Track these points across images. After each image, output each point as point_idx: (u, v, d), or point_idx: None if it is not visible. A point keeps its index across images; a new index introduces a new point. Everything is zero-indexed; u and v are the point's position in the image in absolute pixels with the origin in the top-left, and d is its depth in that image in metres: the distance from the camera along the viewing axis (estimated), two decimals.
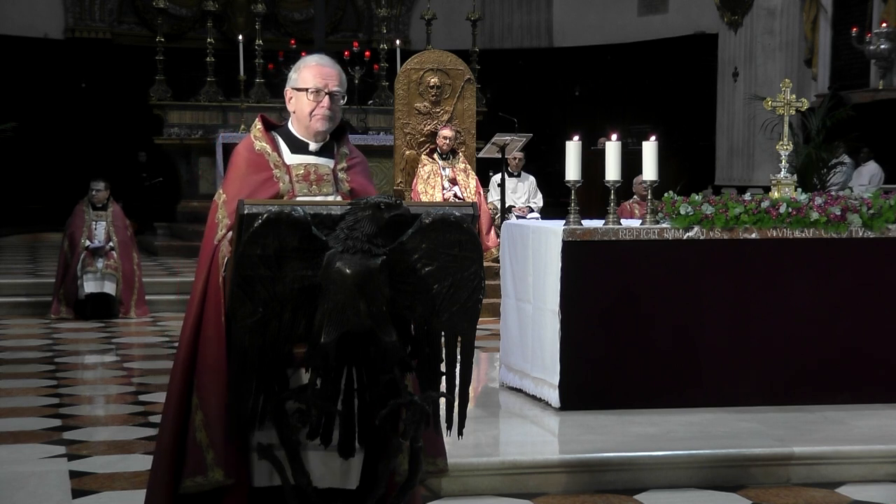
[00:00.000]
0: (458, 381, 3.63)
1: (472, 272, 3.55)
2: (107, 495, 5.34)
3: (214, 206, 3.96)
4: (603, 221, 6.66)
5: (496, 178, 13.07)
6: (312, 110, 3.95)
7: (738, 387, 6.65)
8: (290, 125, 4.06)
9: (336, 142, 4.06)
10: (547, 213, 12.92)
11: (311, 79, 3.94)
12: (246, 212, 3.44)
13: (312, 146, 4.01)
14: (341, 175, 4.01)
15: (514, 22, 22.67)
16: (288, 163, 3.98)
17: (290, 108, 4.02)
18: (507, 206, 12.83)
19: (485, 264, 3.72)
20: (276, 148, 4.00)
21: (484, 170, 13.12)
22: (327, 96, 3.94)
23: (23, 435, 6.48)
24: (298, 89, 3.96)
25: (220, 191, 3.99)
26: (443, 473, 4.04)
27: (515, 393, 7.02)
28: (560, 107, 21.92)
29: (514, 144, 12.96)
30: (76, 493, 5.35)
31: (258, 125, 4.05)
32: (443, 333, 3.60)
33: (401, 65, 12.66)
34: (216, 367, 3.72)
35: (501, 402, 7.06)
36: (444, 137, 11.57)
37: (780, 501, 5.36)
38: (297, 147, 4.01)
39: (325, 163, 4.01)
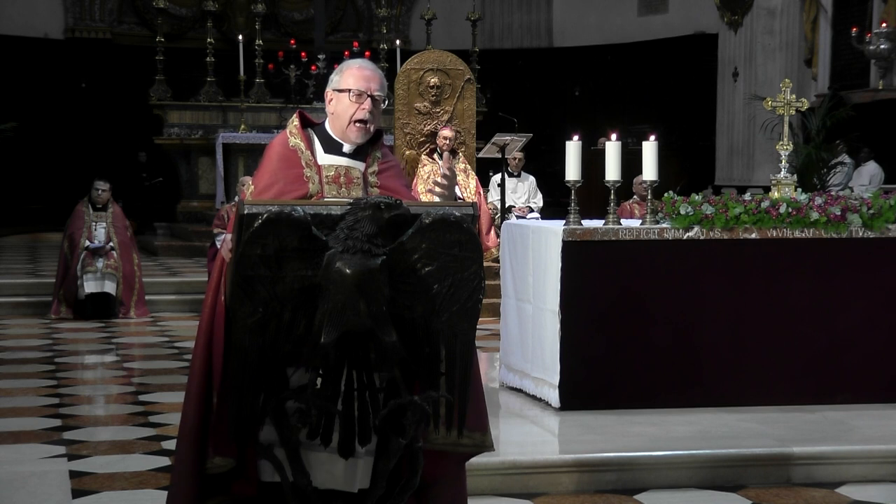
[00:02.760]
0: (458, 381, 3.63)
1: (472, 272, 3.55)
2: (107, 495, 5.34)
3: (242, 196, 4.00)
4: (603, 221, 6.66)
5: (496, 178, 13.07)
6: (353, 112, 3.96)
7: (738, 387, 6.65)
8: (326, 125, 4.07)
9: (370, 145, 4.08)
10: (547, 213, 12.93)
11: (354, 81, 3.96)
12: (246, 212, 3.44)
13: (346, 147, 4.03)
14: (372, 178, 4.04)
15: (514, 22, 22.66)
16: (320, 163, 4.00)
17: (329, 109, 4.03)
18: (507, 206, 12.83)
19: (485, 264, 3.72)
20: (311, 146, 4.02)
21: (484, 170, 13.12)
22: (369, 99, 3.96)
23: (23, 435, 6.48)
24: (341, 90, 3.98)
25: (250, 182, 4.05)
26: (488, 449, 4.05)
27: (515, 393, 7.03)
28: (560, 107, 21.92)
29: (514, 144, 12.96)
30: (76, 493, 5.35)
31: (295, 121, 4.07)
32: (443, 333, 3.60)
33: (401, 65, 12.66)
34: None
35: (501, 402, 7.06)
36: (444, 137, 11.56)
37: (780, 501, 5.36)
38: (331, 147, 4.03)
39: (357, 165, 4.03)
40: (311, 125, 4.10)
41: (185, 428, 3.92)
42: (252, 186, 3.99)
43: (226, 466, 3.79)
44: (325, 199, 3.90)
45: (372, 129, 4.01)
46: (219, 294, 3.86)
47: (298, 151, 4.00)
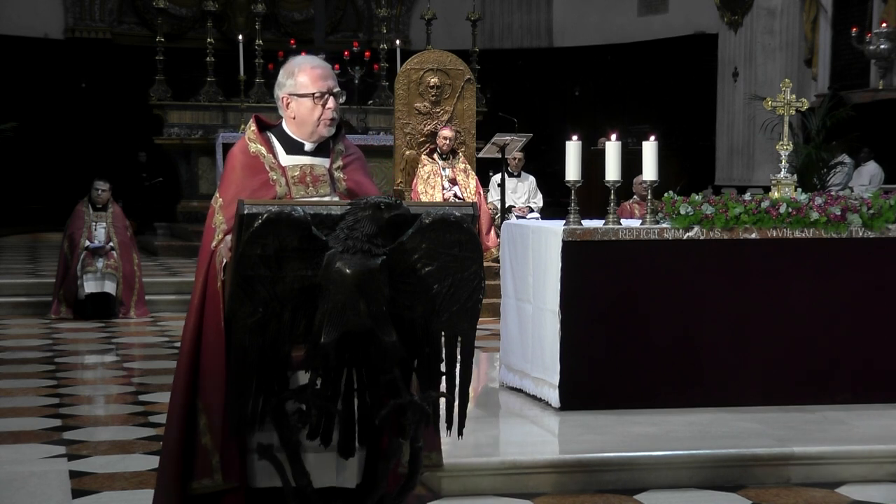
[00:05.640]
0: (458, 381, 3.63)
1: (472, 272, 3.55)
2: (107, 495, 5.34)
3: (211, 211, 3.96)
4: (603, 221, 6.66)
5: (496, 178, 13.07)
6: (320, 115, 3.95)
7: (738, 387, 6.65)
8: (284, 125, 4.04)
9: (332, 140, 4.06)
10: (547, 213, 12.92)
11: (312, 83, 3.94)
12: (246, 212, 3.44)
13: (308, 146, 4.01)
14: (337, 174, 4.02)
15: (514, 22, 22.67)
16: (283, 164, 3.98)
17: (288, 113, 3.99)
18: (507, 206, 12.83)
19: (485, 264, 3.72)
20: (272, 149, 3.99)
21: (484, 170, 13.12)
22: (331, 97, 3.95)
23: (23, 435, 6.48)
24: (301, 95, 3.94)
25: (217, 195, 3.99)
26: (437, 468, 4.05)
27: (515, 393, 7.02)
28: (560, 107, 21.92)
29: (514, 144, 12.96)
30: (76, 493, 5.34)
31: (252, 126, 4.04)
32: (443, 333, 3.60)
33: (401, 65, 12.67)
34: (217, 373, 3.74)
35: (501, 402, 7.06)
36: (444, 138, 11.57)
37: (780, 501, 5.36)
38: (292, 147, 4.01)
39: (321, 162, 4.02)
40: (269, 127, 4.07)
41: (167, 447, 3.88)
42: (220, 199, 3.93)
43: (212, 488, 3.76)
44: (323, 200, 3.89)
45: (336, 121, 4.00)
46: (205, 310, 3.80)
47: (260, 156, 3.97)
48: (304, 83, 3.94)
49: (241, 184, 3.93)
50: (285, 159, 3.99)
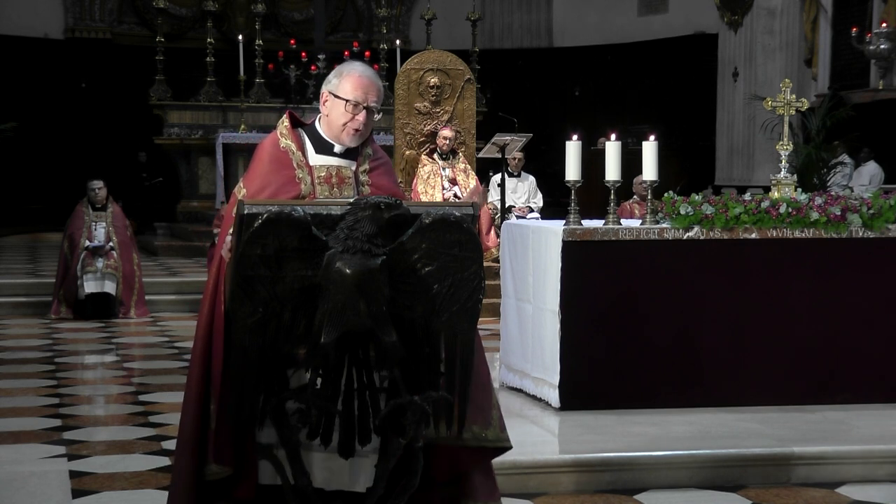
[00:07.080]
0: (458, 381, 3.63)
1: (472, 272, 3.55)
2: (107, 495, 5.34)
3: (233, 199, 3.97)
4: (603, 221, 6.66)
5: (496, 178, 13.07)
6: (346, 122, 3.96)
7: (738, 387, 6.65)
8: (317, 124, 4.06)
9: (361, 144, 4.07)
10: (547, 213, 12.92)
11: (352, 90, 3.94)
12: (246, 212, 3.44)
13: (337, 148, 4.03)
14: (363, 177, 4.04)
15: (514, 22, 22.67)
16: (311, 163, 4.00)
17: (323, 110, 4.02)
18: (507, 206, 12.83)
19: (485, 264, 3.72)
20: (302, 147, 4.01)
21: (484, 170, 13.12)
22: (364, 111, 3.95)
23: (23, 435, 6.48)
24: (338, 96, 3.96)
25: (241, 184, 4.01)
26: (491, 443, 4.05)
27: (515, 393, 7.02)
28: (560, 107, 21.92)
29: (514, 144, 12.96)
30: (76, 493, 5.35)
31: (285, 122, 4.06)
32: (443, 333, 3.60)
33: (401, 65, 12.67)
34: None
35: (501, 402, 7.02)
36: (444, 138, 11.57)
37: (780, 501, 5.36)
38: (323, 147, 4.02)
39: (349, 164, 4.04)
40: (301, 125, 4.09)
41: (183, 434, 3.91)
42: (244, 189, 3.96)
43: (223, 473, 3.79)
44: (324, 199, 3.90)
45: (365, 135, 4.01)
46: (217, 299, 3.83)
47: (290, 152, 3.99)
48: (345, 87, 3.96)
49: (266, 177, 3.95)
50: (314, 158, 4.01)
